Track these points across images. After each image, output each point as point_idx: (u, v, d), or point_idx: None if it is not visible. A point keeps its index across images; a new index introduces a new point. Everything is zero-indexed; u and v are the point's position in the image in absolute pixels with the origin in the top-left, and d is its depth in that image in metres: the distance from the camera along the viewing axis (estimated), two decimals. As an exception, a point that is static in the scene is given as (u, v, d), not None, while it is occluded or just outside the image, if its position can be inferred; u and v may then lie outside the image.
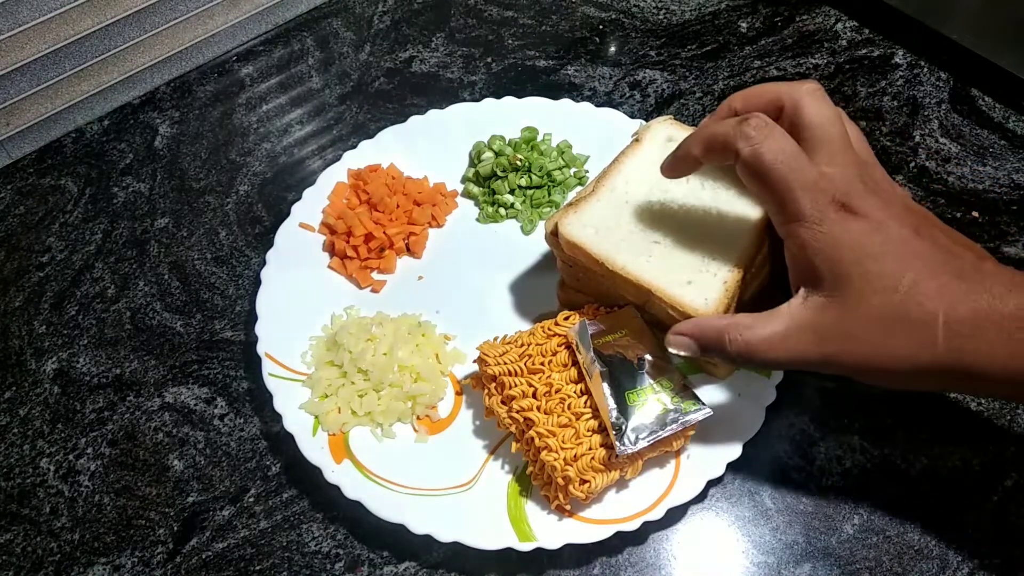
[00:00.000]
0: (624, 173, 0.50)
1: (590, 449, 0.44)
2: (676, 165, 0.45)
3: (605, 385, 0.44)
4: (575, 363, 0.47)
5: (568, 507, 0.45)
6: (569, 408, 0.45)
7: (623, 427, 0.43)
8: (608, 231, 0.47)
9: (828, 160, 0.40)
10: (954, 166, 0.62)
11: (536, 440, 0.45)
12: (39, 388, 0.55)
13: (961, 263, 0.38)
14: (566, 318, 0.49)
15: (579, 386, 0.46)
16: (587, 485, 0.44)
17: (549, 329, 0.49)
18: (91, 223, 0.64)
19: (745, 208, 0.48)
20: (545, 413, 0.45)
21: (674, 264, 0.46)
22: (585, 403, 0.45)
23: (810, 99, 0.41)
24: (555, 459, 0.44)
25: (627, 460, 0.45)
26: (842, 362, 0.39)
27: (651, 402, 0.44)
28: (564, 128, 0.64)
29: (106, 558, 0.48)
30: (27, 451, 0.52)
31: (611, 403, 0.44)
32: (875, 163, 0.43)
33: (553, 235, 0.49)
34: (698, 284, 0.45)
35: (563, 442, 0.44)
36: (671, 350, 0.43)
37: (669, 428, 0.43)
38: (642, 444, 0.43)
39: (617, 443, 0.43)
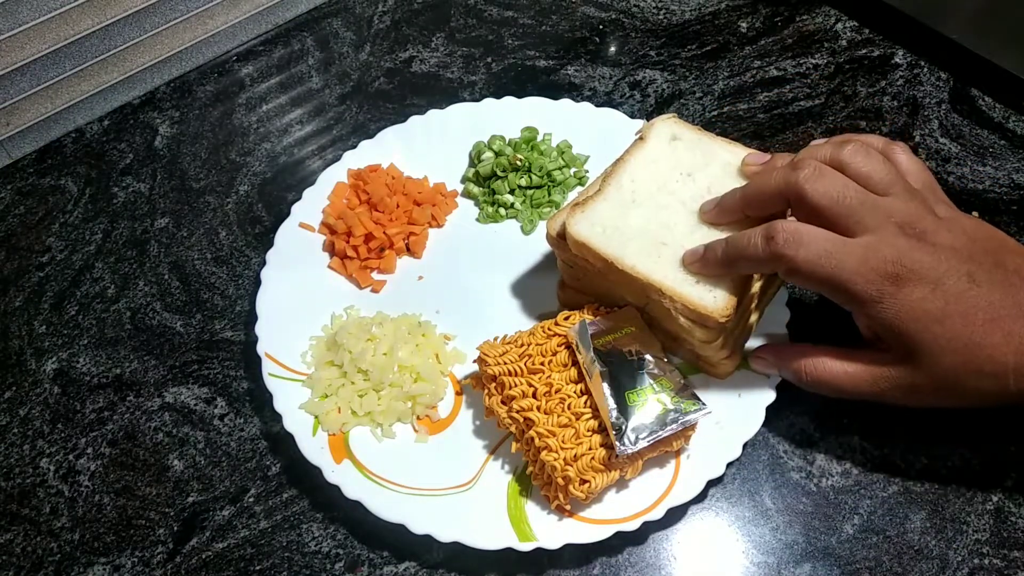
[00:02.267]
0: (630, 172, 0.50)
1: (590, 449, 0.44)
2: (701, 273, 0.46)
3: (605, 385, 0.44)
4: (575, 363, 0.47)
5: (568, 507, 0.45)
6: (569, 408, 0.45)
7: (623, 427, 0.43)
8: (616, 231, 0.47)
9: (862, 230, 0.41)
10: (954, 166, 0.62)
11: (536, 440, 0.45)
12: (39, 388, 0.55)
13: (1020, 299, 0.40)
14: (566, 318, 0.49)
15: (579, 386, 0.46)
16: (587, 485, 0.44)
17: (549, 329, 0.49)
18: (91, 223, 0.64)
19: None
20: (545, 413, 0.45)
21: (682, 263, 0.46)
22: (585, 403, 0.45)
23: (810, 185, 0.41)
24: (555, 459, 0.44)
25: (627, 460, 0.45)
26: (919, 405, 0.43)
27: (651, 402, 0.44)
28: (564, 128, 0.63)
29: (106, 558, 0.48)
30: (27, 451, 0.52)
31: (611, 403, 0.44)
32: (925, 195, 0.43)
33: (558, 236, 0.49)
34: (706, 282, 0.45)
35: (563, 442, 0.44)
36: (755, 369, 0.48)
37: (669, 428, 0.43)
38: (642, 444, 0.43)
39: (617, 443, 0.43)
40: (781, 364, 0.46)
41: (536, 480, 0.46)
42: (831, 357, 0.44)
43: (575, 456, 0.44)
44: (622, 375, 0.45)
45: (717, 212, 0.46)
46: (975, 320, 0.39)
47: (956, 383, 0.41)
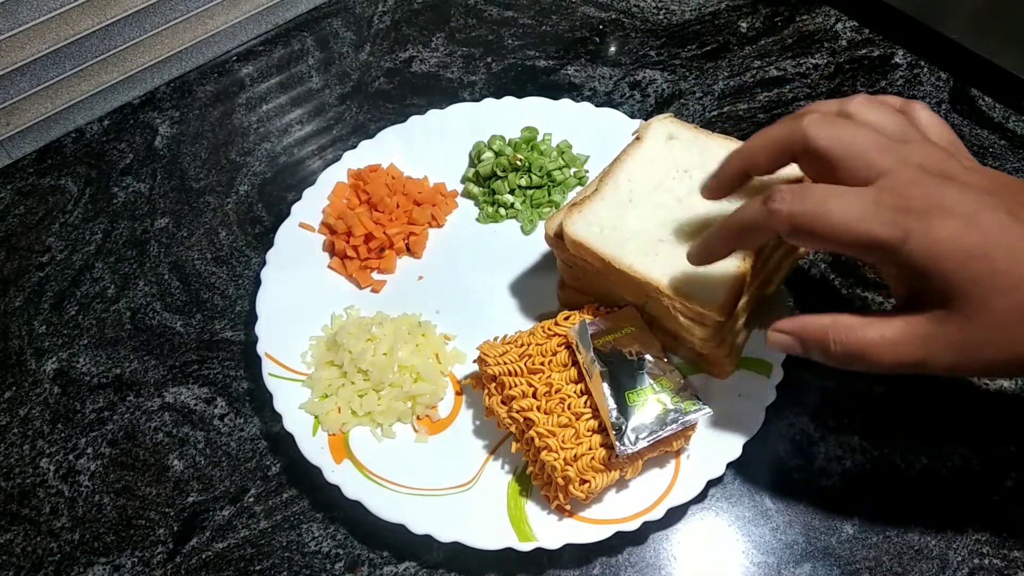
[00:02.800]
0: (627, 172, 0.50)
1: (590, 449, 0.44)
2: (705, 259, 0.42)
3: (605, 385, 0.44)
4: (575, 363, 0.47)
5: (568, 507, 0.45)
6: (569, 408, 0.45)
7: (623, 427, 0.43)
8: (613, 230, 0.48)
9: (875, 174, 0.36)
10: (954, 166, 0.62)
11: (536, 440, 0.45)
12: (39, 388, 0.55)
13: None
14: (566, 318, 0.49)
15: (579, 386, 0.46)
16: (587, 485, 0.44)
17: (549, 329, 0.49)
18: (91, 223, 0.64)
19: None
20: (545, 413, 0.45)
21: (680, 261, 0.46)
22: (585, 403, 0.45)
23: (815, 129, 0.37)
24: (555, 459, 0.44)
25: (627, 460, 0.45)
26: (970, 367, 0.36)
27: (651, 402, 0.44)
28: (564, 128, 0.63)
29: (106, 558, 0.48)
30: (27, 451, 0.52)
31: (611, 403, 0.44)
32: (945, 146, 0.38)
33: (556, 236, 0.49)
34: (705, 280, 0.45)
35: (563, 442, 0.44)
36: (772, 349, 0.40)
37: (669, 428, 0.43)
38: (642, 444, 0.43)
39: (617, 443, 0.43)
40: (804, 337, 0.39)
41: (536, 480, 0.46)
42: (863, 322, 0.37)
43: (575, 456, 0.44)
44: (622, 375, 0.45)
45: (717, 183, 0.42)
46: (1023, 255, 0.33)
47: (1014, 331, 0.34)
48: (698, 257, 0.42)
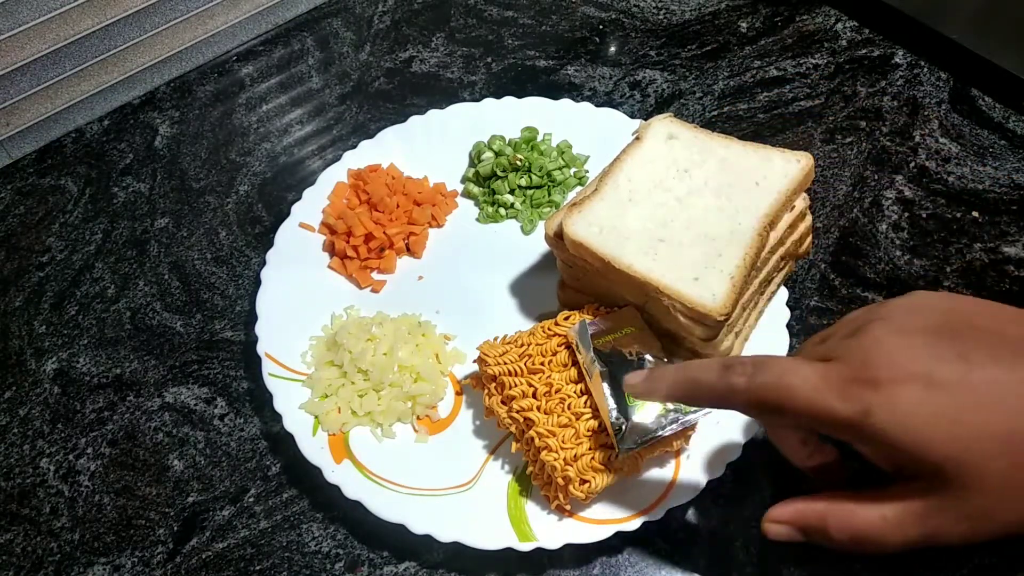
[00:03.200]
0: (626, 172, 0.50)
1: (590, 449, 0.44)
2: (645, 397, 0.41)
3: (605, 385, 0.44)
4: (575, 363, 0.47)
5: (568, 507, 0.45)
6: (569, 408, 0.45)
7: (623, 427, 0.43)
8: (613, 230, 0.48)
9: (829, 348, 0.35)
10: (954, 166, 0.62)
11: (536, 440, 0.45)
12: (39, 388, 0.55)
13: None
14: (566, 318, 0.49)
15: (579, 386, 0.46)
16: (587, 485, 0.44)
17: (549, 329, 0.49)
18: (91, 223, 0.64)
19: (749, 203, 0.48)
20: (545, 413, 0.45)
21: (680, 261, 0.46)
22: (585, 403, 0.45)
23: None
24: (555, 459, 0.44)
25: (627, 460, 0.45)
26: (988, 534, 0.32)
27: (651, 403, 0.44)
28: (564, 128, 0.63)
29: (106, 558, 0.48)
30: (27, 451, 0.52)
31: (611, 403, 0.44)
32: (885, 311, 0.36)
33: (556, 236, 0.49)
34: (705, 280, 0.45)
35: (563, 442, 0.44)
36: (772, 539, 0.37)
37: (669, 428, 0.43)
38: (642, 444, 0.43)
39: (617, 443, 0.43)
40: (804, 526, 0.36)
41: (536, 480, 0.46)
42: (860, 503, 0.34)
43: (575, 456, 0.44)
44: (622, 375, 0.45)
45: (645, 389, 0.41)
46: (1001, 409, 0.31)
47: (1012, 495, 0.31)
48: (638, 390, 0.41)
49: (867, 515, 0.34)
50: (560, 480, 0.44)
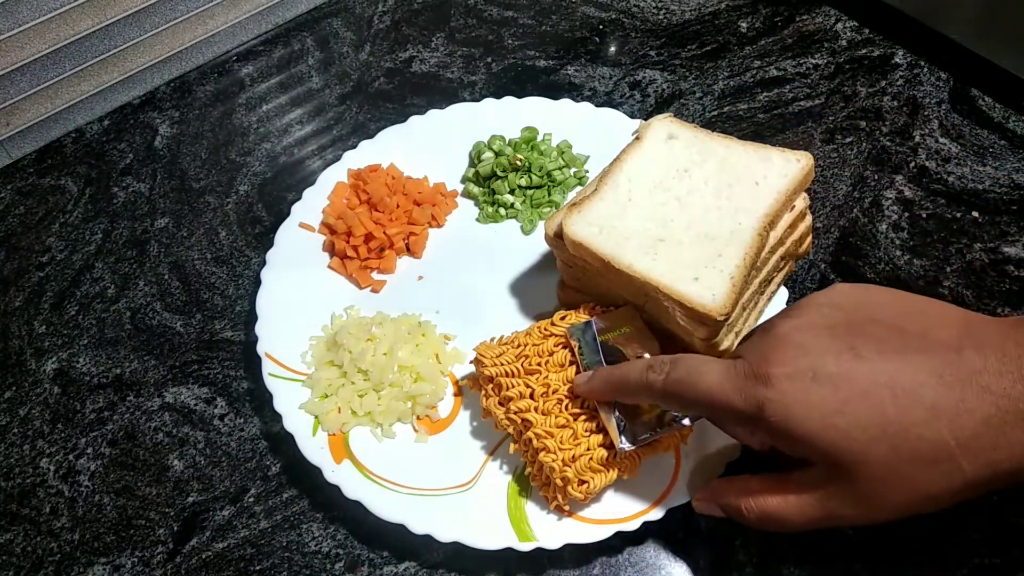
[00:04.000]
0: (626, 171, 0.50)
1: (588, 450, 0.44)
2: (588, 397, 0.45)
3: None
4: (572, 363, 0.47)
5: (567, 507, 0.45)
6: (567, 409, 0.45)
7: (623, 426, 0.43)
8: (613, 230, 0.47)
9: (743, 346, 0.39)
10: (954, 166, 0.62)
11: (534, 441, 0.45)
12: (39, 388, 0.55)
13: (933, 365, 0.33)
14: (562, 318, 0.49)
15: (577, 386, 0.46)
16: (586, 486, 0.44)
17: (545, 329, 0.49)
18: (91, 223, 0.64)
19: (748, 203, 0.48)
20: (543, 414, 0.45)
21: (680, 261, 0.46)
22: (583, 403, 0.45)
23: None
24: (553, 460, 0.44)
25: (625, 460, 0.45)
26: (880, 517, 0.35)
27: (652, 402, 0.44)
28: (564, 128, 0.63)
29: (106, 558, 0.48)
30: (27, 451, 0.52)
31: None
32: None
33: (556, 236, 0.49)
34: (704, 280, 0.45)
35: (561, 443, 0.44)
36: (702, 513, 0.42)
37: (669, 427, 0.43)
38: (642, 443, 0.43)
39: (618, 442, 0.43)
40: (723, 504, 0.40)
41: (535, 481, 0.46)
42: (768, 488, 0.37)
43: (573, 457, 0.44)
44: None
45: (587, 390, 0.45)
46: (881, 399, 0.33)
47: (902, 479, 0.33)
48: (580, 391, 0.45)
49: (773, 498, 0.37)
50: (559, 481, 0.44)
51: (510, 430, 0.47)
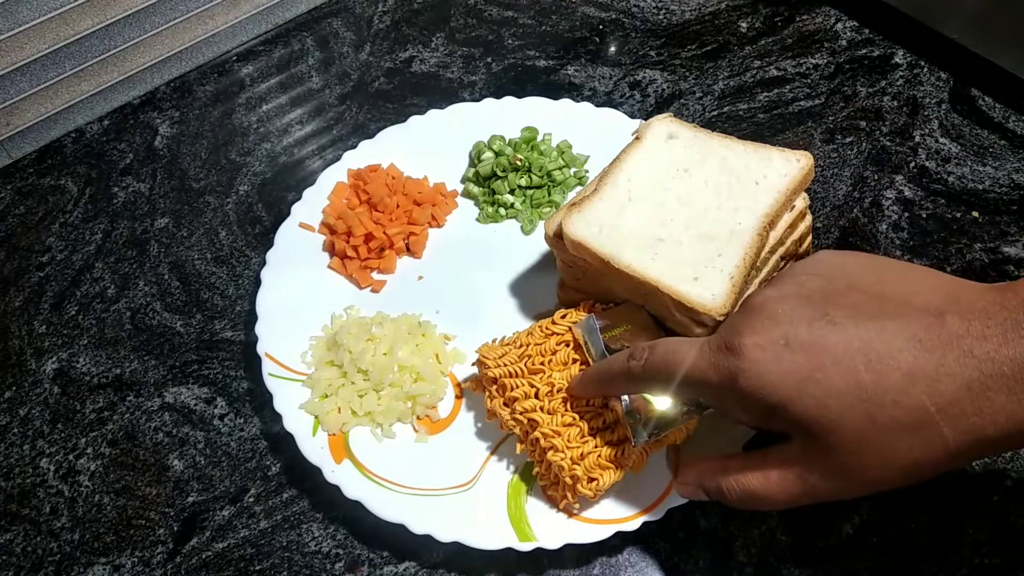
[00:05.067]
0: (626, 171, 0.50)
1: (596, 447, 0.44)
2: (581, 396, 0.45)
3: None
4: (576, 361, 0.47)
5: (577, 506, 0.45)
6: (572, 407, 0.45)
7: (636, 419, 0.43)
8: (612, 229, 0.47)
9: (723, 324, 0.40)
10: (954, 166, 0.62)
11: (542, 440, 0.45)
12: (39, 388, 0.55)
13: (912, 330, 0.31)
14: (563, 316, 0.49)
15: (580, 385, 0.46)
16: (595, 483, 0.44)
17: (547, 328, 0.48)
18: (91, 223, 0.64)
19: (748, 203, 0.48)
20: (549, 413, 0.45)
21: (679, 261, 0.46)
22: (588, 402, 0.45)
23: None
24: (562, 459, 0.44)
25: (634, 455, 0.45)
26: (859, 490, 0.34)
27: (662, 395, 0.44)
28: (564, 128, 0.63)
29: (106, 558, 0.48)
30: (27, 451, 0.52)
31: (623, 397, 0.43)
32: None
33: (555, 236, 0.49)
34: (704, 280, 0.45)
35: (569, 441, 0.44)
36: (684, 497, 0.43)
37: (681, 420, 0.43)
38: (656, 437, 0.43)
39: (632, 435, 0.43)
40: (705, 485, 0.40)
41: (543, 480, 0.46)
42: (749, 466, 0.37)
43: (582, 455, 0.44)
44: None
45: (579, 390, 0.45)
46: (855, 365, 0.31)
47: (880, 448, 0.32)
48: (574, 392, 0.45)
49: (754, 476, 0.36)
50: (568, 479, 0.44)
51: (516, 430, 0.47)
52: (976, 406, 0.30)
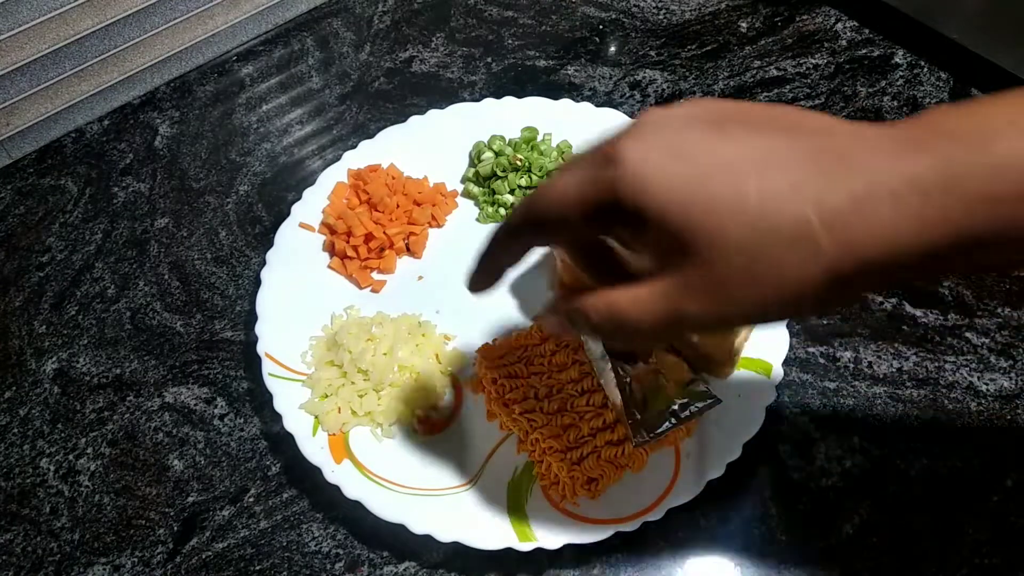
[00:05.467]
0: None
1: (596, 447, 0.44)
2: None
3: (616, 380, 0.44)
4: (574, 362, 0.47)
5: (577, 506, 0.45)
6: (572, 407, 0.45)
7: (637, 419, 0.43)
8: None
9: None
10: (954, 166, 0.62)
11: (541, 441, 0.45)
12: (39, 388, 0.55)
13: (803, 144, 0.30)
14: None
15: (579, 385, 0.46)
16: (595, 483, 0.44)
17: (548, 329, 0.49)
18: (91, 223, 0.64)
19: None
20: (548, 414, 0.45)
21: None
22: (587, 402, 0.45)
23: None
24: (561, 459, 0.44)
25: (634, 455, 0.45)
26: (725, 312, 0.31)
27: (663, 394, 0.44)
28: (564, 128, 0.63)
29: (106, 558, 0.48)
30: (27, 451, 0.52)
31: (623, 396, 0.43)
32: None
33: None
34: None
35: (568, 441, 0.44)
36: (547, 331, 0.40)
37: (682, 419, 0.43)
38: (656, 435, 0.43)
39: (633, 435, 0.43)
40: (568, 311, 0.36)
41: (543, 480, 0.46)
42: (620, 288, 0.33)
43: (581, 455, 0.44)
44: (631, 369, 0.45)
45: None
46: (745, 172, 0.29)
47: (758, 261, 0.29)
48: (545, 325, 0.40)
49: (622, 296, 0.33)
50: (568, 479, 0.44)
51: (516, 431, 0.47)
52: (859, 218, 0.28)
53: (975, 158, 0.27)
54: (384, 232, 0.57)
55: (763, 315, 0.31)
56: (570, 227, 0.34)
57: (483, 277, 0.40)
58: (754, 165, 0.29)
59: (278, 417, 0.49)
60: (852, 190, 0.28)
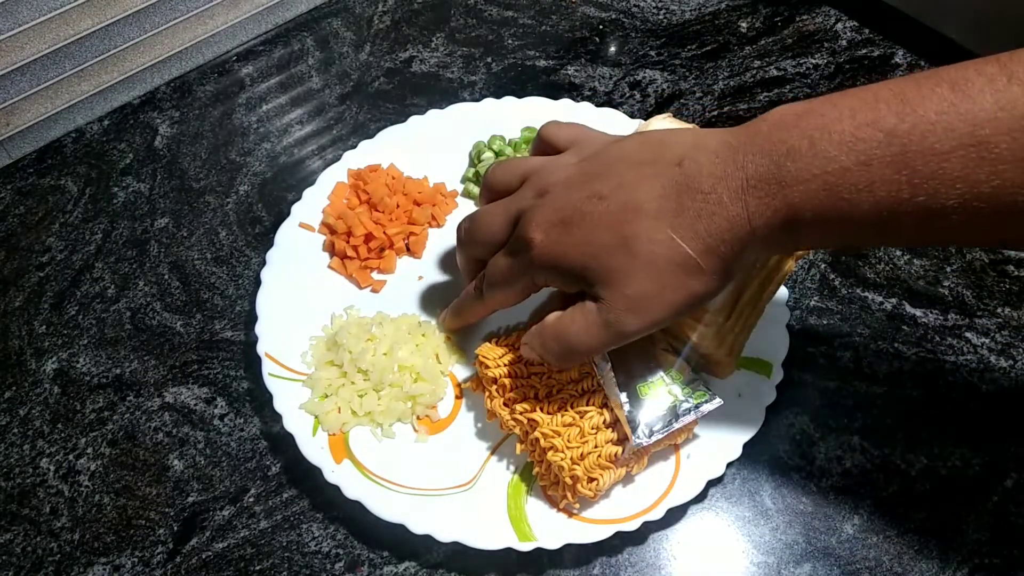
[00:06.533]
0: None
1: (596, 447, 0.44)
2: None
3: (616, 379, 0.44)
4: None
5: (577, 506, 0.45)
6: (572, 407, 0.45)
7: (637, 419, 0.43)
8: None
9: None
10: (954, 166, 0.62)
11: (541, 441, 0.45)
12: (39, 388, 0.55)
13: (658, 184, 0.38)
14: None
15: (580, 384, 0.46)
16: (595, 483, 0.44)
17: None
18: (91, 223, 0.64)
19: None
20: (548, 413, 0.45)
21: None
22: (587, 401, 0.45)
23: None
24: (562, 459, 0.44)
25: (634, 456, 0.45)
26: (658, 319, 0.40)
27: (663, 394, 0.44)
28: (564, 128, 0.63)
29: (106, 558, 0.48)
30: (27, 451, 0.52)
31: (623, 397, 0.44)
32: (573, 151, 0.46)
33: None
34: None
35: (568, 441, 0.44)
36: (527, 358, 0.46)
37: (683, 419, 0.43)
38: (657, 436, 0.43)
39: (632, 436, 0.43)
40: (534, 345, 0.45)
41: (543, 480, 0.46)
42: (569, 319, 0.42)
43: (582, 455, 0.44)
44: (632, 368, 0.45)
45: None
46: (620, 222, 0.39)
47: (654, 280, 0.39)
48: (450, 326, 0.54)
49: (573, 327, 0.42)
50: (568, 479, 0.44)
51: (516, 431, 0.47)
52: (707, 230, 0.37)
53: (782, 160, 0.35)
54: (384, 232, 0.57)
55: (681, 314, 0.40)
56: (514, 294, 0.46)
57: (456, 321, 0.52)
58: (624, 214, 0.39)
59: (278, 417, 0.49)
60: (697, 211, 0.37)
